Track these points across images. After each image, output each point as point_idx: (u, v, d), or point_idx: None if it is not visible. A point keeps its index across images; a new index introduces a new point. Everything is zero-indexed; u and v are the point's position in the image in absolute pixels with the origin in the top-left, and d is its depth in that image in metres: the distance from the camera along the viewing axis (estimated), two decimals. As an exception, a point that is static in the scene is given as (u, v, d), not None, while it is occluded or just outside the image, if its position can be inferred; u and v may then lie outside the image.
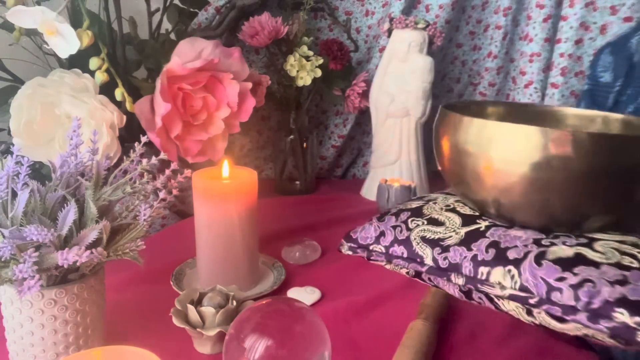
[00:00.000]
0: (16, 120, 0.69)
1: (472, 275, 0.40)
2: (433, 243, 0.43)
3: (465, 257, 0.41)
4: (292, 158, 1.06)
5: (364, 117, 1.15)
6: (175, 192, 0.54)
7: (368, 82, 1.03)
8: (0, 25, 0.77)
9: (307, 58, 0.98)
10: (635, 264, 0.37)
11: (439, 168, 0.50)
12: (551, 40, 1.02)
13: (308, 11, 1.02)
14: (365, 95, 1.04)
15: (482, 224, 0.44)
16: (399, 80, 0.99)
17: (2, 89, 0.78)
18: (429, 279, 0.44)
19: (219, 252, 0.64)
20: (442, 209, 0.47)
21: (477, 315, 0.59)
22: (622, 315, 0.34)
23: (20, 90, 0.69)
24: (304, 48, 0.98)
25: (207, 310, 0.53)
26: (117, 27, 0.81)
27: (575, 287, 0.36)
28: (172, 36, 0.96)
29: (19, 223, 0.45)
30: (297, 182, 1.08)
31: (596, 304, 0.35)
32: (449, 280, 0.42)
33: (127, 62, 0.82)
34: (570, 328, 0.37)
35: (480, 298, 0.41)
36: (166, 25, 0.96)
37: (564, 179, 0.39)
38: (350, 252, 0.49)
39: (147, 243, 0.50)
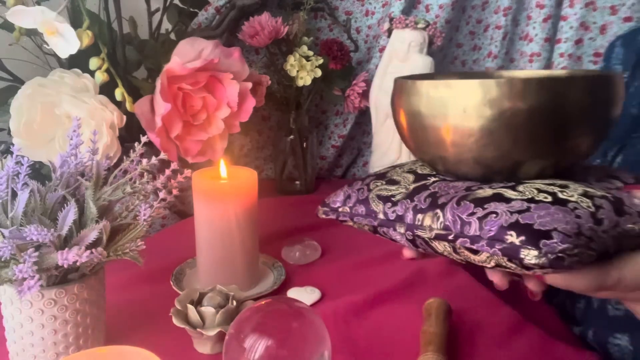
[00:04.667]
0: (16, 120, 0.69)
1: (411, 222, 0.44)
2: (385, 199, 0.48)
3: (408, 208, 0.45)
4: (292, 158, 1.06)
5: (364, 117, 1.15)
6: (175, 192, 0.54)
7: (368, 82, 1.03)
8: (0, 25, 0.77)
9: (307, 58, 0.98)
10: (548, 199, 0.40)
11: (403, 142, 0.53)
12: (551, 40, 1.02)
13: (308, 11, 1.02)
14: (365, 95, 1.04)
15: (431, 180, 0.48)
16: (399, 80, 0.99)
17: (2, 89, 0.78)
18: (383, 232, 0.48)
19: (219, 252, 0.64)
20: (404, 171, 0.51)
21: (477, 315, 0.59)
22: (511, 237, 0.37)
23: (20, 90, 0.69)
24: (304, 48, 0.98)
25: (207, 310, 0.53)
26: (117, 27, 0.81)
27: (481, 219, 0.40)
28: (172, 36, 0.96)
29: (19, 223, 0.45)
30: (297, 182, 1.08)
31: (494, 230, 0.39)
32: (394, 230, 0.46)
33: (127, 62, 0.82)
34: (483, 259, 0.40)
35: (421, 244, 0.45)
36: (166, 25, 0.96)
37: (490, 126, 0.41)
38: (324, 216, 0.54)
39: (147, 243, 0.50)
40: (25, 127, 0.69)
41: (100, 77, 0.70)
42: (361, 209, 0.49)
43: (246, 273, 0.66)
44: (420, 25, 0.97)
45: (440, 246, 0.43)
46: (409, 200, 0.46)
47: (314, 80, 0.98)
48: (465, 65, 1.15)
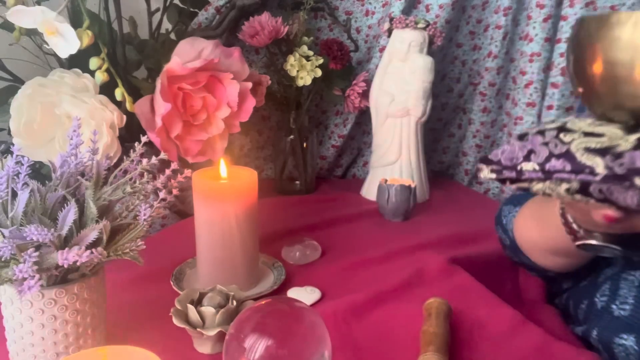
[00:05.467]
0: (16, 120, 0.69)
1: None
2: (602, 152, 0.42)
3: None
4: (292, 158, 1.06)
5: (364, 117, 1.15)
6: (175, 192, 0.54)
7: (368, 82, 1.03)
8: (0, 25, 0.77)
9: (307, 58, 0.98)
10: None
11: (579, 89, 0.47)
12: (551, 40, 1.02)
13: (308, 11, 1.02)
14: (365, 95, 1.04)
15: None
16: (399, 80, 0.99)
17: (2, 89, 0.78)
18: (600, 190, 0.42)
19: (219, 252, 0.64)
20: (589, 125, 0.45)
21: (477, 315, 0.59)
22: None
23: (20, 90, 0.69)
24: (304, 48, 0.98)
25: (207, 310, 0.53)
26: (117, 27, 0.81)
27: None
28: (172, 36, 0.96)
29: (19, 223, 0.45)
30: (297, 182, 1.08)
31: None
32: (632, 185, 0.40)
33: (127, 62, 0.82)
34: None
35: None
36: (166, 25, 0.96)
37: None
38: (493, 175, 0.46)
39: (147, 243, 0.50)
40: (25, 127, 0.69)
41: (100, 77, 0.70)
42: (562, 164, 0.43)
43: (246, 273, 0.66)
44: (420, 25, 0.97)
45: None
46: None
47: (314, 80, 0.98)
48: (465, 66, 1.15)
